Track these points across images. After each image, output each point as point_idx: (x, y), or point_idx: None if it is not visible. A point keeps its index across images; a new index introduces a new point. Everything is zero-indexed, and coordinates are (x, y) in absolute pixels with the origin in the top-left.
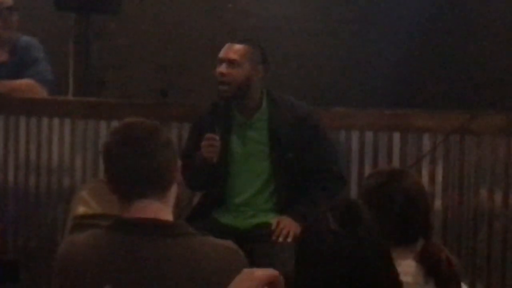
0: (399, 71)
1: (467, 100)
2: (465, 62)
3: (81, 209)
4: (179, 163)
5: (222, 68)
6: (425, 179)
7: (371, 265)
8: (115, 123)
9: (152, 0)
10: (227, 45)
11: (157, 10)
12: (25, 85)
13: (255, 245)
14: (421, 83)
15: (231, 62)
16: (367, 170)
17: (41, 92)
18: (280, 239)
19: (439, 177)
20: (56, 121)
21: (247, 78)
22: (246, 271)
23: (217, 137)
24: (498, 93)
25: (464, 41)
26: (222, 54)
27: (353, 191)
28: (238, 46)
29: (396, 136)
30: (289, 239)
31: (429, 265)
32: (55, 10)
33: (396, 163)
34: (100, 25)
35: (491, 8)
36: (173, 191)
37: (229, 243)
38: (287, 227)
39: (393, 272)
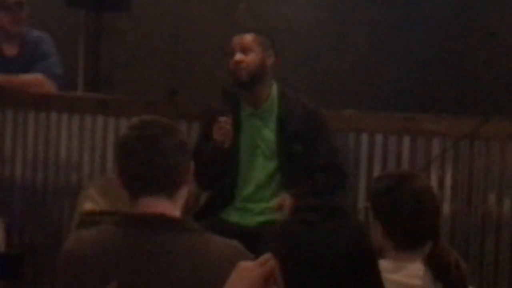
0: (410, 75)
1: (477, 105)
2: (476, 67)
3: (88, 206)
4: (193, 165)
5: (237, 56)
6: (434, 184)
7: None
8: (123, 120)
9: None
10: (235, 37)
11: (168, 8)
12: (34, 79)
13: (261, 246)
14: (432, 87)
15: (244, 49)
16: (376, 173)
17: (50, 87)
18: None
19: (448, 182)
20: (65, 116)
21: (261, 63)
22: (243, 267)
23: (230, 120)
24: (508, 99)
25: (476, 47)
26: (233, 44)
27: (362, 194)
28: (247, 35)
29: (406, 140)
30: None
31: (438, 268)
32: (66, 7)
33: (405, 166)
34: (111, 22)
35: (504, 14)
36: (183, 192)
37: (235, 242)
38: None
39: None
